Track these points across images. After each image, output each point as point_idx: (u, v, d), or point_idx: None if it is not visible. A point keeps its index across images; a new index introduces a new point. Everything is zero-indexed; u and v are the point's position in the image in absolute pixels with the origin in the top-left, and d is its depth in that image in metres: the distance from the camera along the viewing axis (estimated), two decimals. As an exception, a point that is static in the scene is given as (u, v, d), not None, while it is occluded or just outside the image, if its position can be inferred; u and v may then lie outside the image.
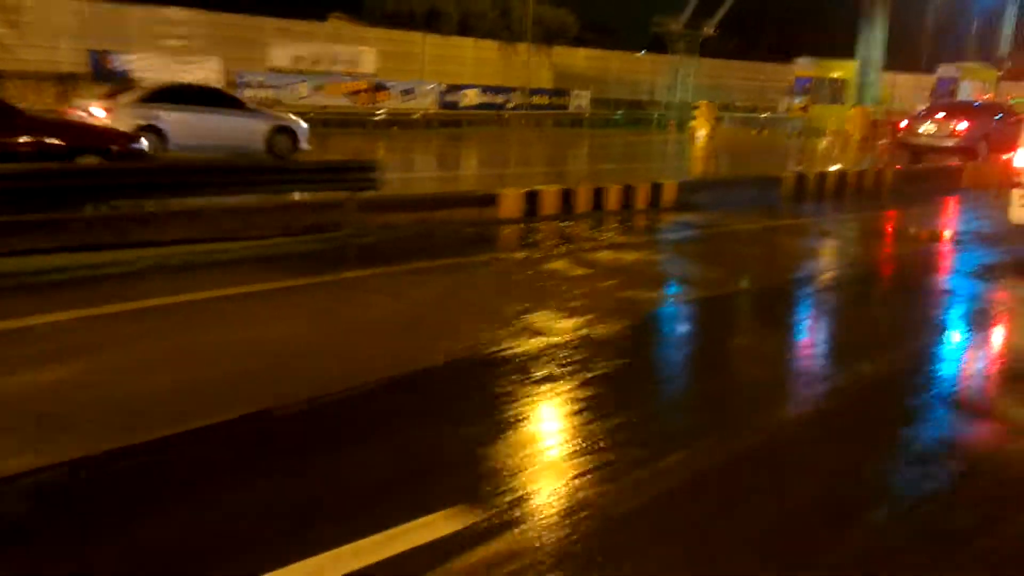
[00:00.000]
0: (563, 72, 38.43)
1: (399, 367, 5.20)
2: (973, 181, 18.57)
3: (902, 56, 45.69)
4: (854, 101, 35.95)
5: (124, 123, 13.97)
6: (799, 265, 9.49)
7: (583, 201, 12.25)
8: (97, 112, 14.54)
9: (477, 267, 8.55)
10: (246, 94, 29.03)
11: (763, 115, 38.55)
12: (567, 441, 4.25)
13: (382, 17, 32.89)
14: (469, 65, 35.10)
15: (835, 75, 35.92)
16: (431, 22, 33.74)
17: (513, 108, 35.33)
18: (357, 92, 31.32)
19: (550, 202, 11.90)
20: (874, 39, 37.81)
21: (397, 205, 10.46)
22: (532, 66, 36.84)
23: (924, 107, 35.95)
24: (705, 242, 10.73)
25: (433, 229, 10.28)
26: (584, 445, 4.18)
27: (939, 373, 5.74)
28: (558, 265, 8.75)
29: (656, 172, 17.14)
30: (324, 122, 29.70)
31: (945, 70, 33.72)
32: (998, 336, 6.92)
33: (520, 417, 4.49)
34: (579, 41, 39.98)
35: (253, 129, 16.13)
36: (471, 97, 34.80)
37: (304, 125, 17.29)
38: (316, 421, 4.43)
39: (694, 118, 32.37)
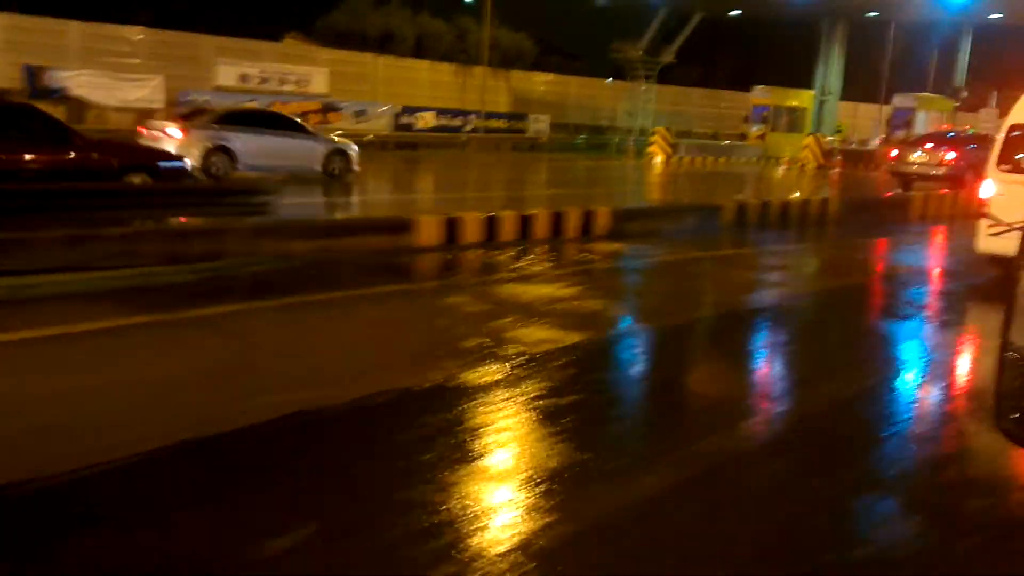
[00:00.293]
0: (521, 96, 38.05)
1: (194, 428, 4.38)
2: (923, 212, 18.21)
3: (864, 86, 45.92)
4: (811, 130, 35.88)
5: (198, 144, 15.28)
6: (713, 301, 8.85)
7: (508, 229, 11.58)
8: (174, 133, 15.48)
9: (359, 301, 7.83)
10: (190, 113, 28.43)
11: (724, 142, 38.37)
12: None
13: (334, 37, 32.27)
14: (424, 87, 34.58)
15: (791, 104, 35.82)
16: (385, 43, 33.23)
17: (470, 131, 34.79)
18: (307, 113, 30.60)
19: (473, 230, 11.22)
20: (831, 69, 37.86)
21: (299, 232, 9.71)
22: (489, 90, 36.40)
23: (884, 136, 36.00)
24: (624, 274, 10.11)
25: (337, 258, 9.54)
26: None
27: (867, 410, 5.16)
28: (457, 300, 8.05)
29: (601, 198, 16.56)
30: (272, 143, 29.05)
31: (901, 100, 33.74)
32: (913, 382, 6.31)
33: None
34: (538, 66, 39.68)
35: (313, 151, 17.14)
36: (427, 120, 34.24)
37: (355, 148, 18.07)
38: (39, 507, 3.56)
39: (651, 144, 32.11)
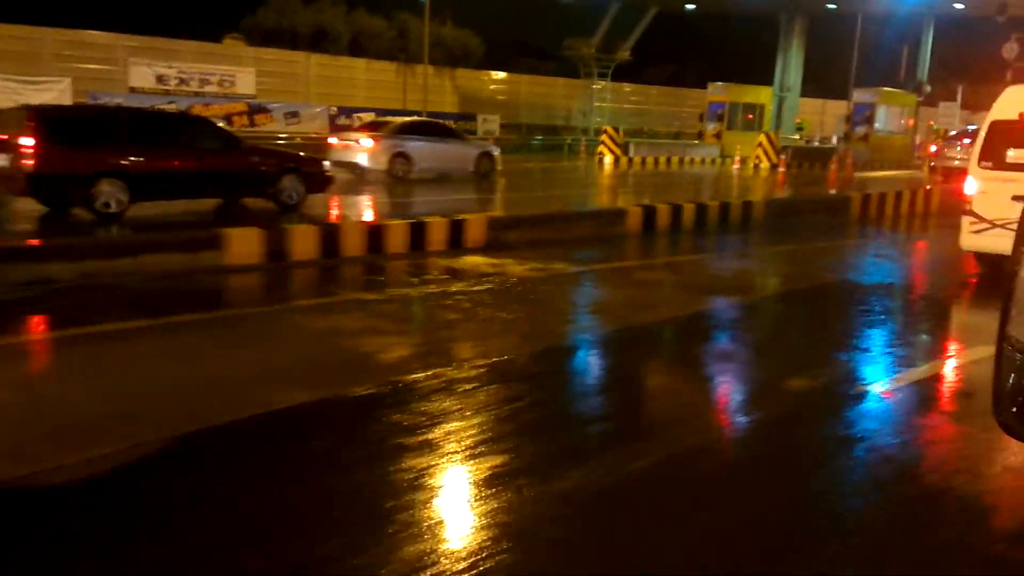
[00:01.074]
0: (469, 96, 36.43)
1: None
2: (864, 213, 16.67)
3: (832, 82, 44.59)
4: (770, 127, 34.43)
5: (386, 151, 18.14)
6: (551, 332, 7.21)
7: (353, 244, 9.94)
8: (366, 143, 18.29)
9: (73, 343, 6.16)
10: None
11: (682, 142, 36.85)
12: None
13: (262, 36, 30.52)
14: (362, 87, 32.90)
15: (748, 101, 34.34)
16: (318, 42, 31.48)
17: None
18: (231, 115, 28.89)
19: (305, 245, 9.57)
20: (790, 64, 36.44)
21: (61, 253, 8.03)
22: (434, 89, 34.76)
23: (844, 133, 34.56)
24: (470, 297, 8.46)
25: (108, 282, 7.87)
26: None
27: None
28: (207, 339, 6.39)
29: (520, 203, 14.97)
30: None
31: (861, 95, 32.25)
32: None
33: None
34: (504, 65, 38.06)
35: (467, 154, 20.05)
36: (366, 121, 32.53)
37: (497, 150, 21.07)
38: None
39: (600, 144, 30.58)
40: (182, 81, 28.37)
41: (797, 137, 35.39)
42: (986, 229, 9.11)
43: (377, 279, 9.20)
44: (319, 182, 12.40)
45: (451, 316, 7.37)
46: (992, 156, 9.18)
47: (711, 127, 34.03)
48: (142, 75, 27.57)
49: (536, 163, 29.21)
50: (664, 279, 9.55)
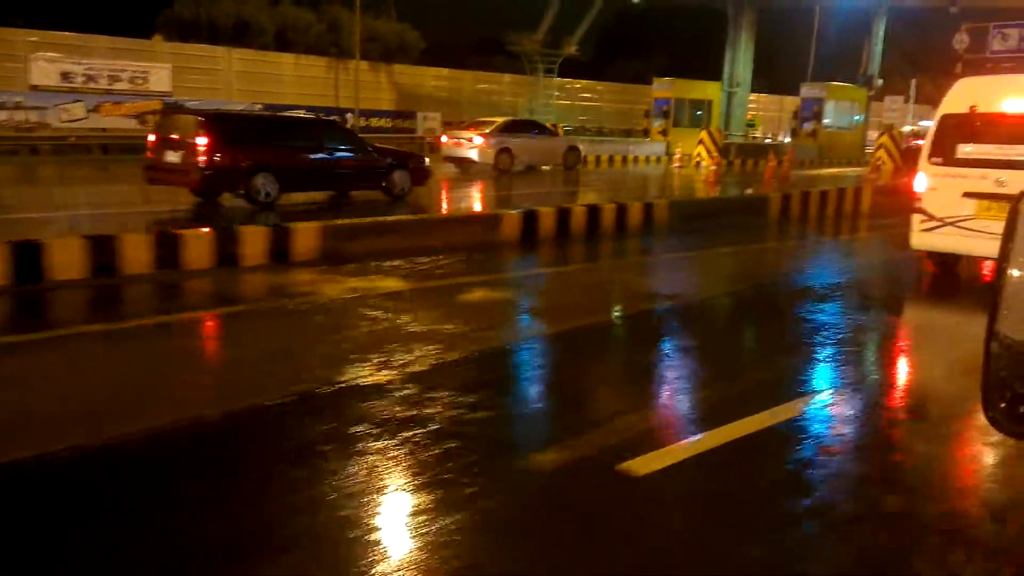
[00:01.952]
0: (408, 93, 34.91)
1: None
2: (784, 214, 15.41)
3: (790, 78, 43.47)
4: (717, 124, 33.23)
5: (493, 147, 21.18)
6: (253, 387, 5.79)
7: (138, 259, 8.48)
8: (477, 140, 21.37)
9: None
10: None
11: (630, 139, 35.56)
12: None
13: (178, 30, 28.87)
14: (290, 84, 31.32)
15: (695, 96, 33.10)
16: (240, 35, 29.86)
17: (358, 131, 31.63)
18: (144, 114, 27.22)
19: (68, 259, 8.09)
20: (739, 58, 35.26)
21: None
22: (369, 86, 33.22)
23: (792, 128, 33.40)
24: (246, 321, 7.07)
25: None
26: None
27: None
28: None
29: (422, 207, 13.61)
30: (104, 148, 25.65)
31: (809, 90, 31.10)
32: None
33: None
34: (428, 60, 36.55)
35: (557, 148, 23.15)
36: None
37: (583, 144, 24.35)
38: None
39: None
40: (90, 78, 26.63)
41: (742, 134, 34.19)
42: (937, 227, 8.78)
43: (102, 310, 7.67)
44: (422, 176, 14.52)
45: (193, 351, 5.94)
46: (942, 152, 8.84)
47: (657, 124, 32.75)
48: (44, 72, 25.82)
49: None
50: (498, 300, 8.15)
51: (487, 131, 21.68)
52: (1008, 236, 1.38)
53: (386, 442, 4.32)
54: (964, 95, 8.80)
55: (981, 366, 1.38)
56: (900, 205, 17.62)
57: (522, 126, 23.19)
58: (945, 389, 5.81)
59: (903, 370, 6.49)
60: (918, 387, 5.95)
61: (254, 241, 9.12)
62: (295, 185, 12.74)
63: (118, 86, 27.14)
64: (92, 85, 26.71)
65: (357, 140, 14.12)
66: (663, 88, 32.75)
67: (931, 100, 34.29)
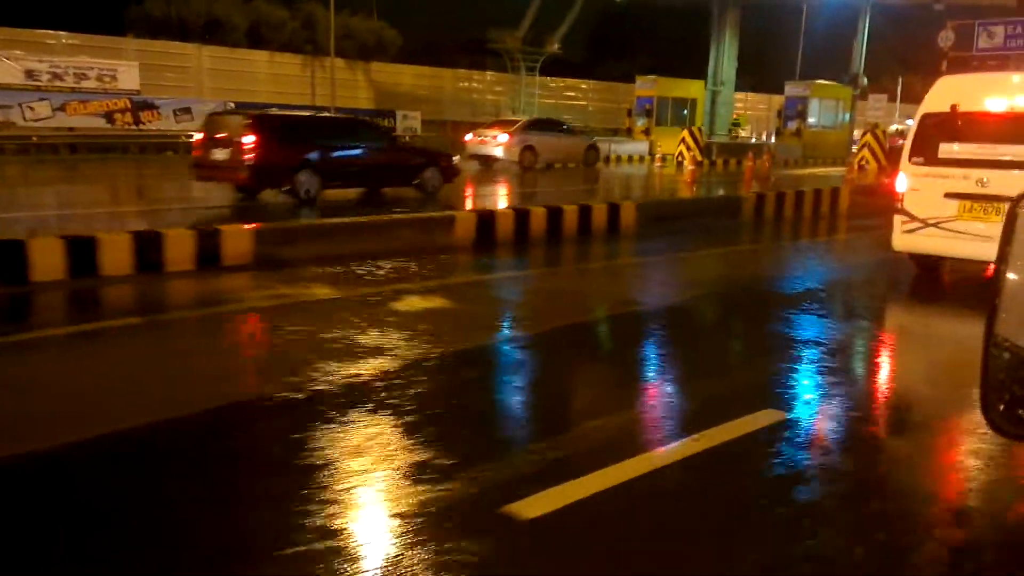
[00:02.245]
0: (386, 91, 34.29)
1: None
2: (758, 215, 14.85)
3: (779, 77, 42.94)
4: (701, 123, 32.70)
5: (518, 144, 22.34)
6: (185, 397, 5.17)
7: (50, 265, 7.86)
8: (502, 137, 22.50)
9: None
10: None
11: (613, 138, 34.95)
12: None
13: (148, 27, 28.17)
14: (264, 82, 30.67)
15: (678, 95, 32.55)
16: (212, 32, 29.17)
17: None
18: (113, 112, 26.56)
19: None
20: (723, 56, 34.71)
21: None
22: (345, 84, 32.64)
23: (777, 128, 32.84)
24: (135, 336, 6.46)
25: None
26: None
27: None
28: None
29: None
30: (72, 147, 24.96)
31: (793, 89, 30.57)
32: None
33: None
34: (407, 58, 35.88)
35: (578, 146, 24.49)
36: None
37: (600, 143, 25.47)
38: None
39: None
40: (55, 76, 25.98)
41: (726, 133, 33.67)
42: (919, 228, 8.60)
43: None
44: (451, 173, 15.11)
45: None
46: (924, 151, 8.64)
47: (640, 123, 32.17)
48: (8, 70, 25.15)
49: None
50: (430, 310, 7.52)
51: (512, 129, 22.76)
52: (1006, 239, 1.37)
53: (240, 474, 3.71)
54: (945, 94, 8.58)
55: (980, 367, 1.36)
56: (879, 206, 17.07)
57: (545, 124, 24.30)
58: (929, 396, 5.25)
59: (870, 384, 5.92)
60: (894, 402, 5.38)
61: (179, 245, 8.49)
62: (335, 182, 13.34)
63: (85, 84, 26.48)
64: (58, 83, 26.06)
65: (391, 138, 15.45)
66: (646, 87, 32.21)
67: (919, 99, 33.77)
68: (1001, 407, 1.35)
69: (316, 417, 4.52)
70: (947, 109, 8.47)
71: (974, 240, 8.22)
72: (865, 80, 31.83)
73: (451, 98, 36.23)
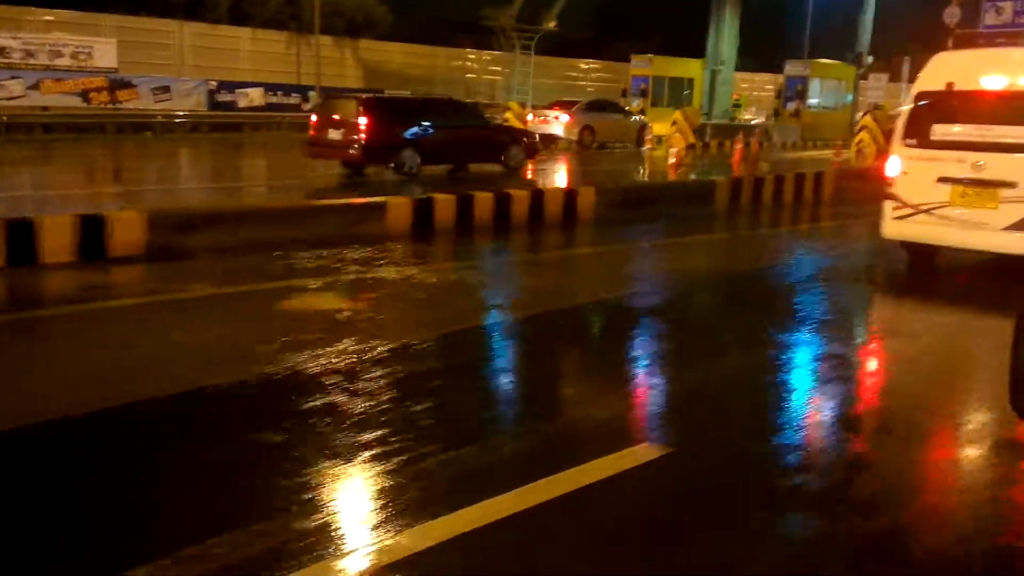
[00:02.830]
0: (375, 69, 33.32)
1: None
2: (735, 201, 13.95)
3: (787, 56, 41.58)
4: (700, 103, 31.61)
5: (578, 124, 23.61)
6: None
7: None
8: (564, 117, 23.74)
9: None
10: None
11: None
12: None
13: (127, 3, 27.35)
14: (247, 60, 29.81)
15: (676, 74, 31.44)
16: (193, 8, 28.33)
17: (311, 110, 30.15)
18: (89, 91, 25.82)
19: None
20: (723, 34, 33.52)
21: None
22: (333, 62, 31.72)
23: (776, 109, 31.67)
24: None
25: None
26: None
27: None
28: None
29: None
30: (46, 127, 24.28)
31: (793, 68, 29.41)
32: None
33: None
34: (398, 35, 34.88)
35: (631, 127, 25.60)
36: (253, 97, 29.53)
37: (650, 124, 26.36)
38: None
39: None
40: (28, 54, 25.22)
41: (726, 114, 32.55)
42: (910, 215, 8.16)
43: None
44: (533, 150, 16.21)
45: None
46: (917, 133, 8.21)
47: (636, 103, 31.07)
48: (-24, 47, 24.45)
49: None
50: (317, 311, 6.70)
51: (572, 109, 23.94)
52: None
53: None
54: (940, 71, 8.17)
55: (1010, 358, 1.35)
56: (867, 192, 16.08)
57: (602, 105, 25.54)
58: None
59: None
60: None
61: (56, 234, 7.73)
62: (434, 158, 14.33)
63: (59, 62, 25.69)
64: (31, 61, 25.30)
65: (481, 118, 16.45)
66: (641, 66, 31.13)
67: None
68: None
69: (106, 445, 3.74)
70: (942, 88, 8.03)
71: (967, 228, 7.81)
72: (870, 59, 30.59)
73: (444, 77, 35.21)
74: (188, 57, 28.23)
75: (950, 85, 8.00)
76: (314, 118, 14.66)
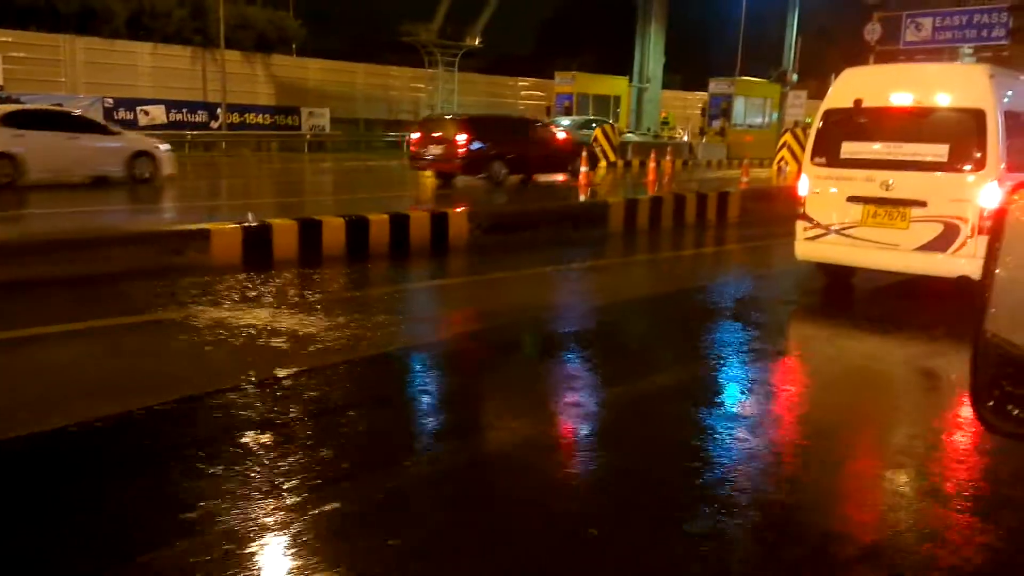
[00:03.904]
0: (289, 86, 31.99)
1: None
2: (631, 223, 12.91)
3: (721, 74, 41.25)
4: (628, 121, 30.86)
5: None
6: None
7: None
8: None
9: None
10: None
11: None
12: None
13: (15, 16, 25.58)
14: (147, 76, 28.25)
15: (600, 92, 30.68)
16: (86, 22, 26.67)
17: (224, 128, 28.72)
18: (-32, 109, 24.03)
19: None
20: (648, 51, 32.89)
21: None
22: (243, 79, 30.31)
23: (700, 127, 31.11)
24: None
25: None
26: None
27: None
28: None
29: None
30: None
31: (717, 86, 28.80)
32: None
33: None
34: (313, 51, 33.56)
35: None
36: (155, 115, 27.97)
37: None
38: None
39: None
40: (-102, 69, 23.44)
41: (649, 131, 31.85)
42: (822, 235, 7.88)
43: None
44: (595, 161, 18.96)
45: None
46: (826, 151, 7.91)
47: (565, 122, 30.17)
48: None
49: (359, 162, 25.22)
50: (63, 364, 5.40)
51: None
52: (996, 236, 1.39)
53: None
54: (848, 88, 7.87)
55: (970, 363, 1.36)
56: (777, 213, 15.16)
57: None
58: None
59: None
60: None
61: None
62: (517, 170, 16.68)
63: (-66, 78, 23.91)
64: (-102, 77, 23.50)
65: (551, 134, 18.50)
66: (565, 83, 30.38)
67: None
68: (990, 403, 1.36)
69: None
70: (850, 104, 7.73)
71: (879, 249, 7.53)
72: (795, 77, 30.16)
73: (364, 95, 34.01)
74: (81, 73, 26.57)
75: (858, 102, 7.69)
76: (415, 136, 17.02)
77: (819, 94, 32.53)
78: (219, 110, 29.03)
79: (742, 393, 5.20)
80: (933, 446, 4.38)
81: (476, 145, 15.68)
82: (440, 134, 16.01)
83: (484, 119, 18.61)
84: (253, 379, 5.07)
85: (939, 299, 7.86)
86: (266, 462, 3.85)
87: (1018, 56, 23.62)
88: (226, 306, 7.03)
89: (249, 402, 4.72)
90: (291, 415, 4.49)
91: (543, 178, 17.99)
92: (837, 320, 7.59)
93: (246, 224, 9.15)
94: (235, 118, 29.66)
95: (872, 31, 25.42)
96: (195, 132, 27.79)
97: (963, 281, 7.02)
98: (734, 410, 4.83)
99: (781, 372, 5.93)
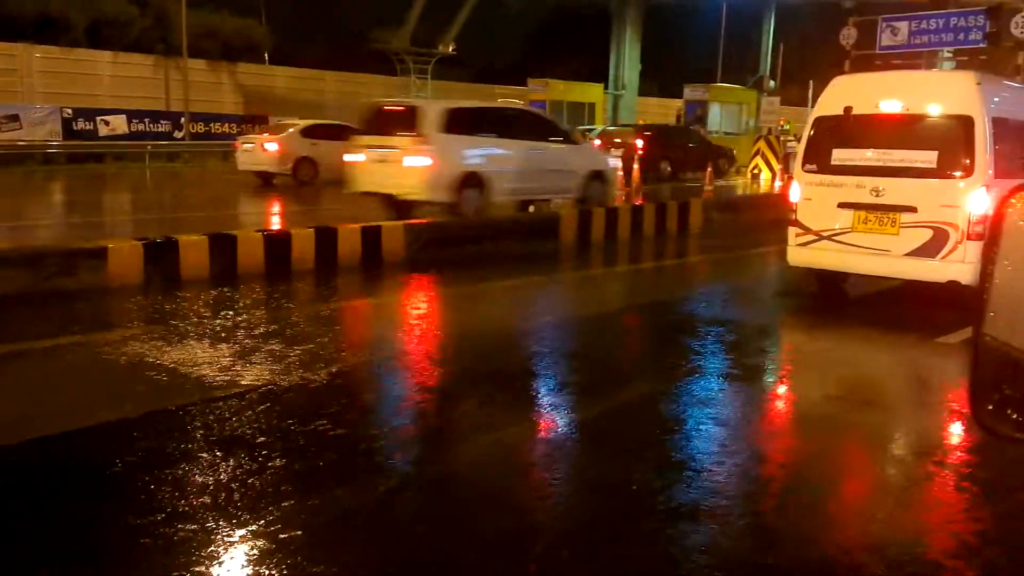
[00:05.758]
0: (257, 95, 31.24)
1: None
2: (584, 236, 12.23)
3: (700, 81, 40.67)
4: (604, 127, 30.22)
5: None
6: None
7: None
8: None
9: None
10: None
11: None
12: None
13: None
14: (108, 85, 27.49)
15: (575, 99, 30.07)
16: (43, 31, 25.91)
17: (188, 139, 27.99)
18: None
19: None
20: (624, 58, 32.34)
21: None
22: (208, 88, 29.60)
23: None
24: None
25: None
26: None
27: None
28: None
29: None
30: None
31: (692, 92, 28.23)
32: None
33: None
34: (281, 59, 32.85)
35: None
36: (116, 125, 27.20)
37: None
38: None
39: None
40: None
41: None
42: (813, 241, 8.04)
43: None
44: (731, 163, 25.43)
45: None
46: (817, 158, 8.11)
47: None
48: None
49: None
50: None
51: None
52: (993, 240, 1.40)
53: None
54: (839, 95, 8.05)
55: (970, 367, 1.36)
56: (744, 223, 14.54)
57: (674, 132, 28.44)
58: None
59: None
60: None
61: None
62: (678, 167, 22.03)
63: None
64: None
65: (701, 136, 23.69)
66: (537, 90, 29.72)
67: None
68: (990, 407, 1.35)
69: None
70: (841, 112, 7.90)
71: (869, 255, 7.66)
72: (772, 83, 29.62)
73: (335, 103, 33.22)
74: (39, 83, 25.80)
75: (848, 109, 7.84)
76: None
77: (800, 100, 32.02)
78: (183, 120, 28.31)
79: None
80: (925, 452, 4.41)
81: (653, 148, 21.83)
82: (620, 141, 21.65)
83: (654, 127, 24.49)
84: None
85: (927, 304, 8.00)
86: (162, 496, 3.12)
87: (996, 59, 23.13)
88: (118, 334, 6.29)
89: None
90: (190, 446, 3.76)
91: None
92: (826, 326, 7.66)
93: (148, 241, 8.41)
94: (200, 128, 28.93)
95: (848, 36, 24.85)
96: (156, 143, 27.06)
97: (953, 286, 7.20)
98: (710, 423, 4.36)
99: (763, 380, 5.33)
